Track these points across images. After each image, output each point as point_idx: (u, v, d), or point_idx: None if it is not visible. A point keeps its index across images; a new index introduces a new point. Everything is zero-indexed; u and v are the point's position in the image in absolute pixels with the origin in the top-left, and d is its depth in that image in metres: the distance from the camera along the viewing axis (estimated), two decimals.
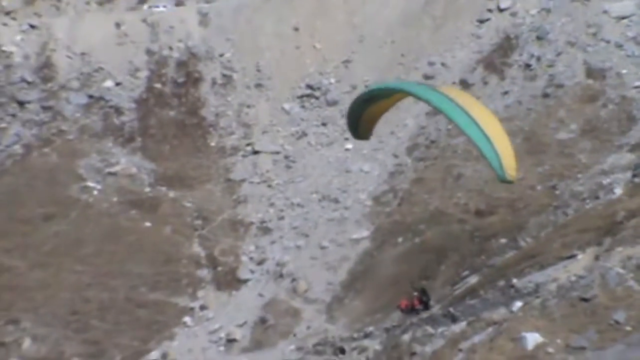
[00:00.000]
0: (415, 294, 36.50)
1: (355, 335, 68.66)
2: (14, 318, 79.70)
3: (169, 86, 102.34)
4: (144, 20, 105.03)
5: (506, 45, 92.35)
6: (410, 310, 36.08)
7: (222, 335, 78.21)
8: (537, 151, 78.77)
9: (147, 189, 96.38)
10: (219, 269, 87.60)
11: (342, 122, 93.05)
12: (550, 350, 34.04)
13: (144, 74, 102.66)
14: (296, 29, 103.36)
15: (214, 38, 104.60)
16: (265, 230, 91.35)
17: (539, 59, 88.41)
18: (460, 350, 52.41)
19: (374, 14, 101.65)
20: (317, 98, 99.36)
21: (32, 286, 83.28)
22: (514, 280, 48.43)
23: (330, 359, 68.15)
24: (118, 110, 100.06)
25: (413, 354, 59.77)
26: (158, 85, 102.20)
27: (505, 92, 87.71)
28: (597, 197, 64.31)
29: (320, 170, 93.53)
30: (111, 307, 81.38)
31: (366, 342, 68.47)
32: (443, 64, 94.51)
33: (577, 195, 68.13)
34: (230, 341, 77.13)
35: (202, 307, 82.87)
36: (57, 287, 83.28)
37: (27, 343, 78.20)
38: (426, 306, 36.88)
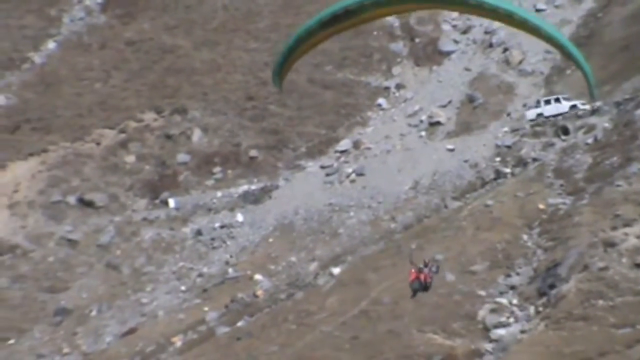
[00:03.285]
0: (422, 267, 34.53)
1: (580, 112, 68.16)
2: (181, 107, 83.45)
3: None
4: None
5: None
6: (419, 285, 34.21)
7: (423, 118, 78.68)
8: None
9: None
10: (417, 40, 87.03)
11: None
12: None
13: None
14: None
15: None
16: None
17: None
18: None
19: None
20: None
21: (199, 68, 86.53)
22: None
23: (550, 141, 67.06)
24: None
25: None
26: None
27: None
28: None
29: None
30: (292, 90, 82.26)
31: (593, 120, 66.68)
32: None
33: None
34: (433, 125, 77.47)
35: (399, 87, 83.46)
36: (229, 69, 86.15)
37: (197, 135, 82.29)
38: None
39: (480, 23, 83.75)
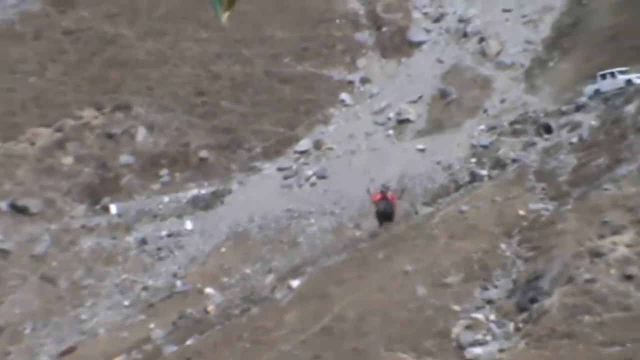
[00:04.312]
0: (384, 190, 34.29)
1: (564, 108, 67.99)
2: (124, 103, 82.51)
3: None
4: None
5: None
6: (386, 205, 33.66)
7: (391, 115, 78.46)
8: None
9: None
10: (384, 29, 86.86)
11: None
12: None
13: None
14: None
15: None
16: None
17: None
18: None
19: None
20: None
21: (144, 61, 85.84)
22: None
23: (531, 141, 66.99)
24: None
25: None
26: None
27: None
28: None
29: None
30: (247, 84, 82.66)
31: (579, 117, 66.52)
32: None
33: None
34: (402, 122, 77.15)
35: (364, 81, 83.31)
36: (177, 61, 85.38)
37: (141, 134, 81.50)
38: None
39: (454, 10, 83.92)
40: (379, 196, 33.08)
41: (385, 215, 33.28)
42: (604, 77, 67.24)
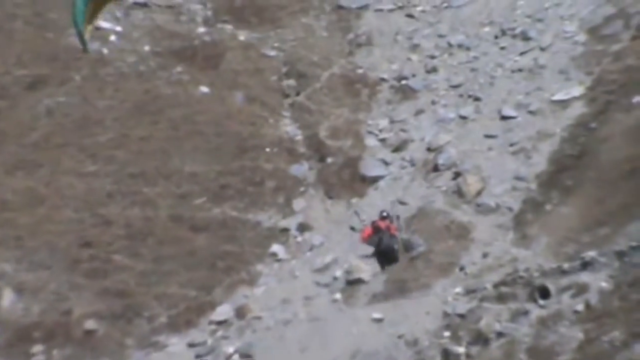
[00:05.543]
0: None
1: (566, 265, 67.17)
2: None
3: None
4: None
5: None
6: (380, 238, 33.89)
7: (338, 273, 77.15)
8: None
9: (201, 30, 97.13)
10: (329, 161, 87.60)
11: None
12: None
13: None
14: None
15: None
16: (406, 92, 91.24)
17: None
18: None
19: None
20: None
21: (11, 202, 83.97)
22: None
23: (523, 308, 66.70)
24: None
25: None
26: None
27: None
28: None
29: None
30: (148, 233, 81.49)
31: (585, 277, 66.61)
32: None
33: None
34: (352, 283, 75.59)
35: (302, 228, 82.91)
36: (55, 202, 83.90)
37: (7, 298, 78.99)
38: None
39: (421, 136, 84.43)
40: (368, 230, 32.67)
41: (384, 254, 32.67)
42: None
